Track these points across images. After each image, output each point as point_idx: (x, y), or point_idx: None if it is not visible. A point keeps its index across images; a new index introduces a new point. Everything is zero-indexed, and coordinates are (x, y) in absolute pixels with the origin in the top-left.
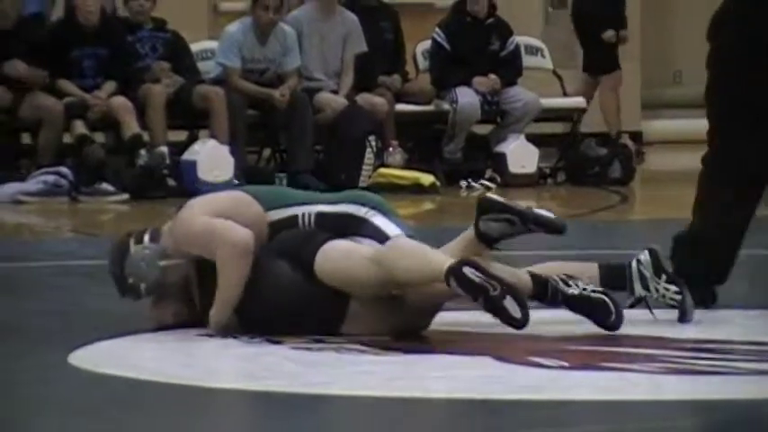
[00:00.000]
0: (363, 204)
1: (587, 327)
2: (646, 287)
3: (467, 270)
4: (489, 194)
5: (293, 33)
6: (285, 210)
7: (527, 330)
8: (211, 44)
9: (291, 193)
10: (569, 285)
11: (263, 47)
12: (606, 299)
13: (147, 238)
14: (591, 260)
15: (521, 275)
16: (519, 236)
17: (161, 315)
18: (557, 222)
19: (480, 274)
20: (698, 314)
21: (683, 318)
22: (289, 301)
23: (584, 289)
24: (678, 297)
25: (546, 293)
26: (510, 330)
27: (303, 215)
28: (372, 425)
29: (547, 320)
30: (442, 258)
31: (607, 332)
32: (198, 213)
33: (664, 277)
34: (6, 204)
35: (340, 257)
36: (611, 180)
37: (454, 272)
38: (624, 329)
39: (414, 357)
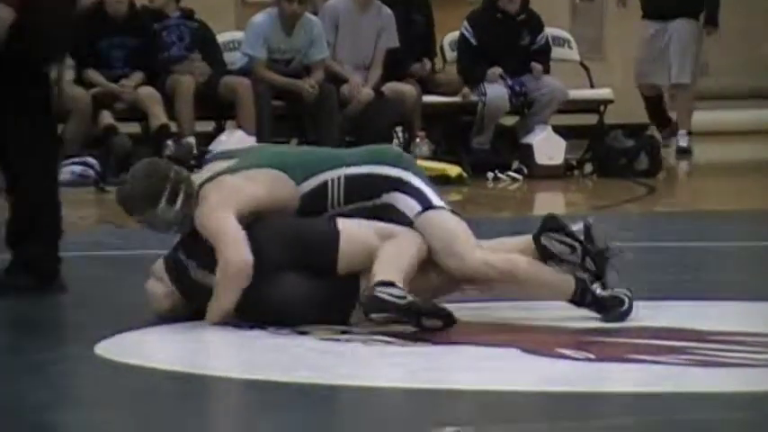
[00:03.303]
0: (394, 165)
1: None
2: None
3: (375, 317)
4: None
5: (320, 24)
6: (315, 178)
7: (554, 322)
8: (238, 35)
9: (319, 157)
10: (604, 288)
11: (290, 37)
12: (625, 297)
13: (180, 199)
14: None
15: (564, 280)
16: (569, 265)
17: (156, 298)
18: (609, 275)
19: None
20: (727, 306)
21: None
22: (294, 303)
23: (613, 289)
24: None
25: (578, 295)
26: (538, 322)
27: (332, 181)
28: (399, 416)
29: (574, 314)
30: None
31: (633, 324)
32: (221, 206)
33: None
34: None
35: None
36: (639, 172)
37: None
38: (650, 321)
39: (441, 349)
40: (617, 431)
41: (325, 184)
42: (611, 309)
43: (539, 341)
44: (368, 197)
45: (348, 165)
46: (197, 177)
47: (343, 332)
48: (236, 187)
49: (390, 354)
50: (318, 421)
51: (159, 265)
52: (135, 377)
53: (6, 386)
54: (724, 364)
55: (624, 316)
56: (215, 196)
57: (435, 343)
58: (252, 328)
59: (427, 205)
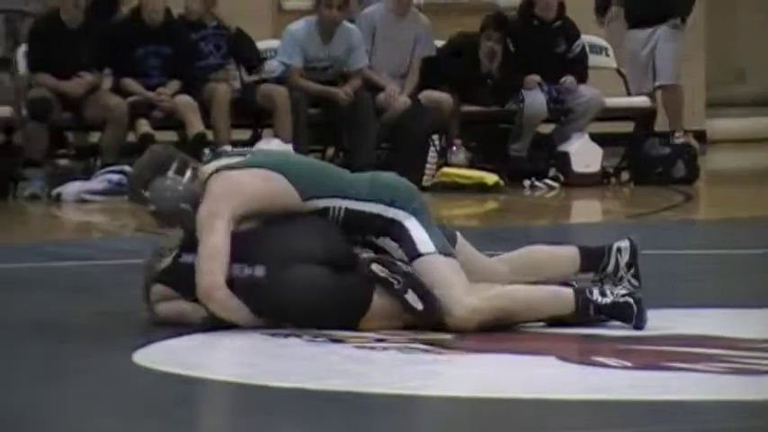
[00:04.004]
0: (391, 204)
1: (650, 327)
2: (615, 271)
3: (374, 267)
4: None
5: (358, 32)
6: (318, 201)
7: (588, 330)
8: (275, 43)
9: (330, 178)
10: (604, 295)
11: (327, 45)
12: (632, 301)
13: (188, 174)
14: (654, 260)
15: (562, 293)
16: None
17: (186, 314)
18: None
19: (385, 269)
20: (761, 314)
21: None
22: (311, 297)
23: (615, 295)
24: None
25: (581, 309)
26: (573, 330)
27: (334, 209)
28: (434, 424)
29: (606, 322)
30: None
31: (668, 332)
32: (218, 209)
33: (632, 270)
34: (71, 203)
35: None
36: (676, 179)
37: (369, 271)
38: (685, 329)
39: (477, 357)
40: None
41: (326, 209)
42: (624, 316)
43: (575, 349)
44: (363, 234)
45: (350, 197)
46: (205, 169)
47: (379, 340)
48: (237, 184)
49: (426, 362)
50: (352, 429)
51: (157, 289)
52: (173, 385)
53: (45, 392)
54: (758, 372)
55: (641, 319)
56: (213, 195)
57: (471, 351)
58: (287, 336)
59: (414, 255)
